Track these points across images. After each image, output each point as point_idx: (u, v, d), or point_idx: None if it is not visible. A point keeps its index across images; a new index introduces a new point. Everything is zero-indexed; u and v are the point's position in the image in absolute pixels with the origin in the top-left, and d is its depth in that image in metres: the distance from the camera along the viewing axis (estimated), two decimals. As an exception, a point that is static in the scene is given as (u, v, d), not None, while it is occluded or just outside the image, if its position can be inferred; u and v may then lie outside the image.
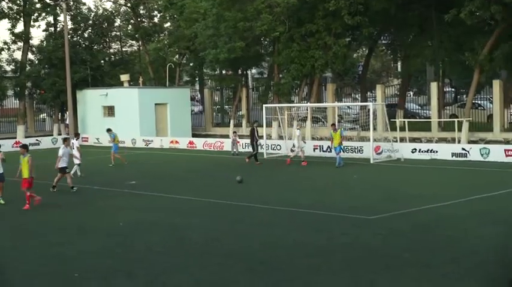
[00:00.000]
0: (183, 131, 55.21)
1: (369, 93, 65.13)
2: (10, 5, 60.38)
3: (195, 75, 72.78)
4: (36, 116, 69.21)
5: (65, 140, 29.69)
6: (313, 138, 47.90)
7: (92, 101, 57.82)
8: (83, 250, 17.67)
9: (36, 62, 64.33)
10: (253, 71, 73.37)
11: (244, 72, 61.58)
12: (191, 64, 69.23)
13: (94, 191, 28.51)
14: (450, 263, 15.39)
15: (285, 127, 45.01)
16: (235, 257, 16.47)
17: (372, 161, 37.18)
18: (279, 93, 53.80)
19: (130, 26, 69.97)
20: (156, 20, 69.69)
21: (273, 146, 43.67)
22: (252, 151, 38.80)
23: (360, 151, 40.03)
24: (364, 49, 61.45)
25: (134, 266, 15.76)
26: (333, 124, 39.03)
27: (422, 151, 38.54)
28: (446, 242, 17.58)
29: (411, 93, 78.41)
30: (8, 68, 66.12)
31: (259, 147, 39.60)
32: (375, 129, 40.31)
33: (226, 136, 53.85)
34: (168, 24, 68.56)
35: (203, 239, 18.69)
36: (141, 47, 70.43)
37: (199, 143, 49.15)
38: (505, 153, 36.03)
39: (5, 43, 61.14)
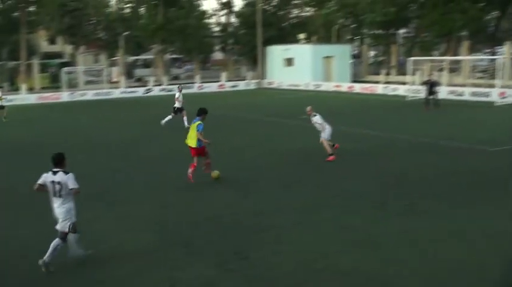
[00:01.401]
0: (344, 78, 54.63)
1: (498, 48, 61.22)
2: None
3: (356, 34, 71.36)
4: (235, 65, 70.99)
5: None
6: (449, 85, 45.85)
7: (276, 54, 58.32)
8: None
9: (236, 24, 65.68)
10: (402, 31, 70.76)
11: (395, 32, 59.70)
12: (352, 26, 67.89)
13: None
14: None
15: (426, 76, 43.35)
16: (382, 173, 16.29)
17: (497, 104, 35.12)
18: (422, 49, 52.00)
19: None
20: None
21: (416, 91, 42.25)
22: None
23: (487, 95, 37.85)
24: (496, 12, 57.50)
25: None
26: None
27: (541, 97, 35.91)
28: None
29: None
30: (216, 29, 68.10)
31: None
32: (501, 78, 37.98)
33: (378, 82, 52.82)
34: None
35: (361, 158, 18.60)
36: (315, 12, 69.84)
37: (358, 87, 48.47)
38: None
39: (215, 10, 62.84)
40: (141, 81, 60.90)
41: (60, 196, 9.79)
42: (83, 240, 10.33)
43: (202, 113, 15.72)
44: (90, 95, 48.02)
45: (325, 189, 14.84)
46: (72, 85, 52.75)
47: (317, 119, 18.95)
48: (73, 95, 47.46)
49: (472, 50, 59.08)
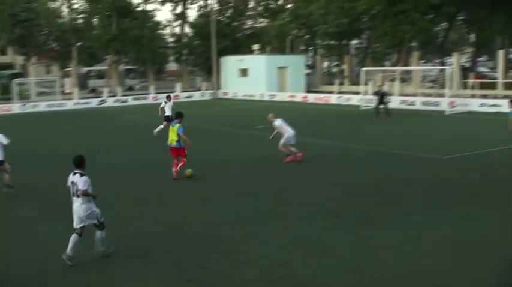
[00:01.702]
0: (299, 88, 54.95)
1: (446, 59, 62.62)
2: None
3: (309, 45, 71.93)
4: (190, 76, 70.67)
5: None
6: (400, 95, 46.59)
7: (231, 65, 58.32)
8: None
9: (191, 35, 65.49)
10: (355, 41, 71.78)
11: (348, 42, 60.50)
12: (306, 36, 68.47)
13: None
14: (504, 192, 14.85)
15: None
16: (335, 182, 16.39)
17: (447, 113, 35.86)
18: (374, 59, 52.92)
19: (260, 7, 69.67)
20: (280, 1, 69.27)
21: (368, 101, 42.79)
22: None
23: (437, 105, 38.63)
24: (444, 24, 58.93)
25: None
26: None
27: (488, 105, 36.79)
28: (506, 178, 16.87)
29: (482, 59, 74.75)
30: (170, 40, 67.73)
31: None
32: (450, 88, 38.81)
33: (332, 92, 53.35)
34: (290, 5, 67.94)
35: (314, 168, 18.66)
36: (268, 24, 70.23)
37: (312, 97, 48.79)
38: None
39: (169, 21, 62.58)
40: (94, 93, 60.05)
41: (78, 196, 10.45)
42: (33, 253, 10.02)
43: (179, 116, 17.66)
44: (42, 106, 47.04)
45: (281, 198, 14.82)
46: (24, 97, 51.62)
47: (275, 124, 19.67)
48: (25, 107, 46.41)
49: (423, 61, 60.32)
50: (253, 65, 55.82)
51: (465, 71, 49.40)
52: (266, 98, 52.10)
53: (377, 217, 12.96)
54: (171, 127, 17.77)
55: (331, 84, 59.06)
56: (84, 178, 10.43)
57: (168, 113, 27.02)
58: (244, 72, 57.08)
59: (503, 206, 13.59)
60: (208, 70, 61.62)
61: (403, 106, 40.23)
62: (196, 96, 55.70)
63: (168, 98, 27.85)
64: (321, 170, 18.48)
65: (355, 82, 56.01)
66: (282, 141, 19.65)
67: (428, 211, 13.31)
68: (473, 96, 41.41)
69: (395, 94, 46.52)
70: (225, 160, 20.83)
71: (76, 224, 10.60)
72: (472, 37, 71.16)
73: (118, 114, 39.05)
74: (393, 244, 11.07)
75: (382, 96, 34.01)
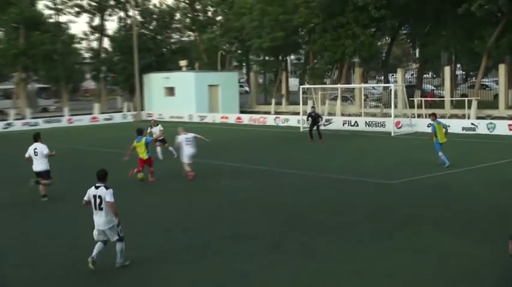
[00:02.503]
0: (232, 109, 55.14)
1: (390, 76, 64.24)
2: (89, 1, 60.93)
3: (243, 61, 72.50)
4: (109, 95, 69.84)
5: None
6: (342, 115, 47.43)
7: (155, 83, 58.03)
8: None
9: (110, 50, 64.82)
10: (292, 57, 72.82)
11: (284, 58, 61.30)
12: (239, 51, 68.97)
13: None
14: (456, 217, 15.20)
15: (319, 105, 44.72)
16: (272, 211, 16.42)
17: (392, 134, 36.73)
18: (313, 76, 53.74)
19: (188, 19, 69.88)
20: (209, 14, 69.67)
21: (305, 121, 43.33)
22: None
23: (382, 125, 39.55)
24: (387, 38, 60.47)
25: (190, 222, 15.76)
26: (433, 114, 25.59)
27: (436, 125, 37.87)
28: (457, 202, 17.32)
29: (427, 75, 77.15)
30: (87, 55, 66.80)
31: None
32: (396, 107, 39.79)
33: (268, 113, 53.78)
34: (220, 17, 68.43)
35: (247, 196, 18.68)
36: (197, 37, 70.42)
37: (246, 119, 49.05)
38: (509, 127, 35.36)
39: (85, 34, 61.75)
40: (1, 115, 58.39)
41: (101, 209, 11.74)
42: None
43: (141, 133, 22.20)
44: None
45: (214, 230, 14.70)
46: None
47: (177, 140, 22.27)
48: None
49: (365, 78, 61.68)
50: (181, 82, 55.69)
51: (410, 89, 50.81)
52: (196, 119, 52.02)
53: (320, 248, 13.01)
54: (136, 143, 21.92)
55: (268, 103, 59.58)
56: (111, 190, 11.83)
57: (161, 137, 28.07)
58: (170, 91, 56.86)
59: (446, 234, 13.91)
60: (131, 89, 61.07)
61: (346, 127, 40.95)
62: (117, 118, 55.06)
63: (153, 123, 29.40)
64: (256, 199, 18.48)
65: (293, 101, 56.68)
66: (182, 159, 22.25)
67: (374, 241, 13.47)
68: (419, 116, 42.52)
69: (337, 114, 47.36)
70: (149, 190, 20.56)
71: (98, 238, 11.92)
72: (417, 52, 73.43)
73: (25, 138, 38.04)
74: (337, 279, 11.12)
75: (315, 118, 34.65)
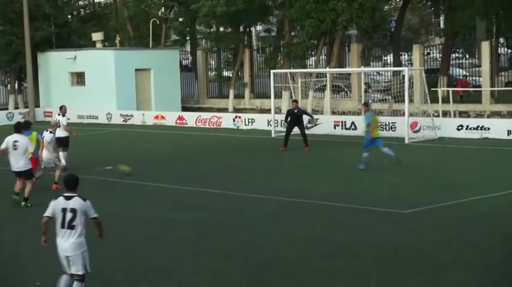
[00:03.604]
0: (170, 104, 55.12)
1: (403, 55, 64.86)
2: None
3: (186, 34, 72.50)
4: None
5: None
6: (333, 113, 47.71)
7: (57, 65, 57.64)
8: (47, 248, 17.77)
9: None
10: (259, 28, 73.02)
11: (248, 29, 61.34)
12: (181, 19, 68.95)
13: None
14: (501, 266, 15.48)
15: (299, 98, 44.96)
16: (234, 259, 16.57)
17: (407, 141, 37.09)
18: (290, 55, 53.78)
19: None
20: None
21: (282, 122, 43.58)
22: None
23: (392, 127, 39.92)
24: (397, 0, 61.20)
25: (110, 268, 15.85)
26: (365, 103, 32.13)
27: (470, 128, 38.40)
28: (498, 240, 17.62)
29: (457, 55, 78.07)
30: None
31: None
32: (411, 101, 40.14)
33: (225, 110, 53.87)
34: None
35: (195, 236, 18.76)
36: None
37: (191, 119, 49.12)
38: None
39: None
40: None
41: (71, 227, 12.42)
42: None
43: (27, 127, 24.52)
44: None
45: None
46: None
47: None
48: None
49: (367, 59, 62.18)
50: (94, 65, 55.38)
51: (433, 75, 51.38)
52: (117, 120, 51.84)
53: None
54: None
55: (224, 96, 59.64)
56: (89, 203, 12.70)
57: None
58: (79, 78, 56.56)
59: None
60: (19, 75, 60.62)
61: (339, 130, 41.21)
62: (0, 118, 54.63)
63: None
64: (213, 238, 18.61)
65: (261, 93, 56.93)
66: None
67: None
68: (445, 114, 42.97)
69: (326, 111, 47.59)
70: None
71: (66, 269, 12.71)
72: (441, 21, 74.22)
73: None
74: None
75: (298, 116, 34.76)
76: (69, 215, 12.37)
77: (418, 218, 20.38)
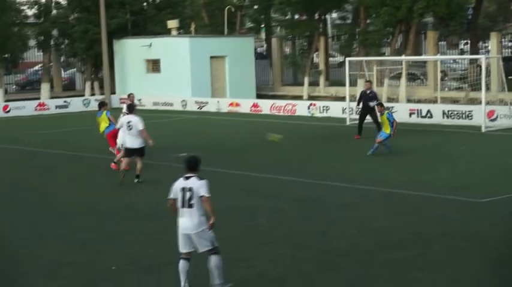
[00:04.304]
0: (245, 91, 55.29)
1: (481, 43, 64.15)
2: None
3: (260, 21, 72.58)
4: (64, 71, 70.13)
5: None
6: (408, 101, 47.44)
7: (132, 53, 58.30)
8: (117, 236, 18.05)
9: (65, 4, 65.04)
10: (334, 15, 72.83)
11: (323, 17, 61.23)
12: (255, 7, 69.07)
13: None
14: None
15: (374, 86, 44.76)
16: (308, 247, 16.66)
17: (483, 130, 36.70)
18: (366, 43, 53.59)
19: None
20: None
21: (358, 111, 43.40)
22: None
23: (468, 116, 39.54)
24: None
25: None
26: (381, 104, 32.08)
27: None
28: None
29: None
30: (30, 12, 66.96)
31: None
32: (488, 89, 39.73)
33: (299, 97, 53.85)
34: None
35: (269, 224, 18.85)
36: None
37: (266, 106, 49.25)
38: None
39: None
40: None
41: (190, 206, 13.01)
42: None
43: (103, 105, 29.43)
44: None
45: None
46: None
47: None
48: None
49: (443, 47, 61.63)
50: (170, 53, 55.83)
51: (511, 62, 50.75)
52: (192, 107, 52.20)
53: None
54: (97, 118, 28.54)
55: (298, 84, 59.62)
56: (205, 182, 13.11)
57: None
58: (154, 65, 57.07)
59: None
60: (95, 62, 61.30)
61: (414, 119, 40.94)
62: (75, 105, 55.25)
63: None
64: (281, 227, 18.69)
65: (336, 81, 56.84)
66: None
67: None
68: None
69: (401, 99, 47.35)
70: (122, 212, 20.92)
71: (182, 247, 13.25)
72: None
73: None
74: None
75: (368, 99, 34.55)
76: (187, 195, 12.99)
77: (494, 207, 20.22)
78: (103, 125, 28.57)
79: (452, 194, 21.70)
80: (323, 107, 46.37)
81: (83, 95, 59.13)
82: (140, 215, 20.31)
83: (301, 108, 47.27)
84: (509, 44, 65.35)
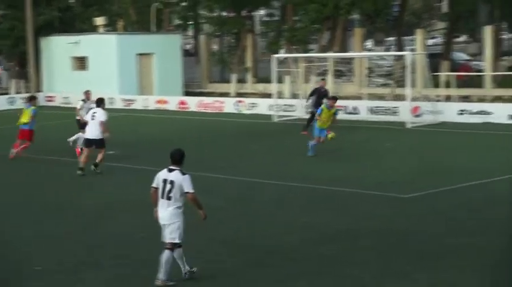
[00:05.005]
0: (173, 89, 55.13)
1: (406, 40, 64.79)
2: None
3: (188, 18, 72.47)
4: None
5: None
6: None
7: (59, 50, 57.63)
8: (44, 235, 17.84)
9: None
10: (261, 12, 72.99)
11: (250, 14, 61.31)
12: (183, 4, 68.91)
13: (62, 163, 28.64)
14: (502, 251, 15.54)
15: (300, 83, 44.97)
16: (235, 245, 16.68)
17: (408, 126, 37.10)
18: (293, 40, 53.76)
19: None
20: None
21: (285, 107, 43.59)
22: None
23: (394, 112, 39.93)
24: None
25: (107, 254, 15.92)
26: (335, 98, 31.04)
27: (472, 113, 38.42)
28: (499, 225, 17.66)
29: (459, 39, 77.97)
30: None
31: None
32: (413, 85, 40.14)
33: (227, 95, 53.84)
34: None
35: (197, 221, 18.77)
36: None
37: (193, 104, 49.14)
38: None
39: None
40: None
41: (169, 198, 13.43)
42: None
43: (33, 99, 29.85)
44: None
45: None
46: None
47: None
48: None
49: (369, 43, 62.11)
50: (97, 50, 55.40)
51: (435, 59, 51.37)
52: (119, 105, 51.80)
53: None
54: (24, 109, 28.16)
55: (226, 81, 59.61)
56: (189, 177, 13.54)
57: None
58: (81, 62, 56.53)
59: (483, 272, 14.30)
60: (21, 60, 60.60)
61: (341, 115, 41.08)
62: (0, 103, 54.50)
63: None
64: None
65: (263, 78, 56.94)
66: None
67: (386, 282, 13.88)
68: (448, 98, 42.98)
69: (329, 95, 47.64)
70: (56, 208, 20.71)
71: (163, 237, 13.73)
72: (444, 5, 74.13)
73: None
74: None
75: (321, 97, 34.63)
76: (168, 187, 13.37)
77: (418, 202, 20.46)
78: (23, 119, 28.61)
79: (379, 190, 21.89)
80: (250, 104, 46.45)
81: (8, 93, 58.27)
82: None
83: (229, 105, 47.29)
84: (433, 41, 66.12)
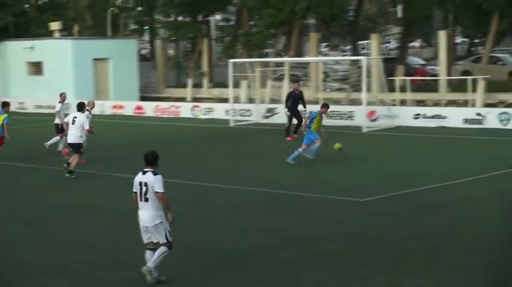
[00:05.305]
0: (129, 94, 54.91)
1: (361, 44, 65.12)
2: None
3: (144, 23, 72.20)
4: None
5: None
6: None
7: (14, 55, 57.21)
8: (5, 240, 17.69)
9: None
10: (217, 17, 72.95)
11: (206, 18, 61.23)
12: (139, 9, 68.64)
13: (16, 168, 28.38)
14: (459, 253, 15.67)
15: (257, 88, 44.98)
16: (192, 249, 16.57)
17: (364, 130, 37.24)
18: (249, 45, 53.77)
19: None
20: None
21: (242, 112, 43.57)
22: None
23: (350, 117, 40.07)
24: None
25: (67, 258, 15.79)
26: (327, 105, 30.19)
27: (427, 117, 38.66)
28: (456, 228, 17.77)
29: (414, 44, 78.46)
30: None
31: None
32: (368, 90, 40.28)
33: (183, 99, 53.71)
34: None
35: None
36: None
37: (150, 109, 48.96)
38: (530, 119, 36.33)
39: None
40: None
41: (146, 200, 13.70)
42: None
43: (6, 105, 28.62)
44: None
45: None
46: None
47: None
48: None
49: (325, 48, 62.30)
50: (52, 55, 55.05)
51: (390, 64, 51.65)
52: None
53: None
54: None
55: (182, 86, 59.45)
56: (160, 177, 13.82)
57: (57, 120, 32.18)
58: (36, 67, 56.12)
59: (441, 275, 14.36)
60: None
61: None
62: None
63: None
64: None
65: (219, 83, 56.90)
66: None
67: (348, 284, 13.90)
68: (403, 102, 43.19)
69: (283, 101, 47.61)
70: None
71: (144, 239, 13.99)
72: (399, 10, 74.60)
73: None
74: None
75: (300, 98, 34.88)
76: (143, 189, 13.71)
77: (377, 206, 20.54)
78: None
79: (336, 195, 21.93)
80: (207, 108, 46.36)
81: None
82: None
83: (185, 110, 47.21)
84: (387, 45, 66.46)
